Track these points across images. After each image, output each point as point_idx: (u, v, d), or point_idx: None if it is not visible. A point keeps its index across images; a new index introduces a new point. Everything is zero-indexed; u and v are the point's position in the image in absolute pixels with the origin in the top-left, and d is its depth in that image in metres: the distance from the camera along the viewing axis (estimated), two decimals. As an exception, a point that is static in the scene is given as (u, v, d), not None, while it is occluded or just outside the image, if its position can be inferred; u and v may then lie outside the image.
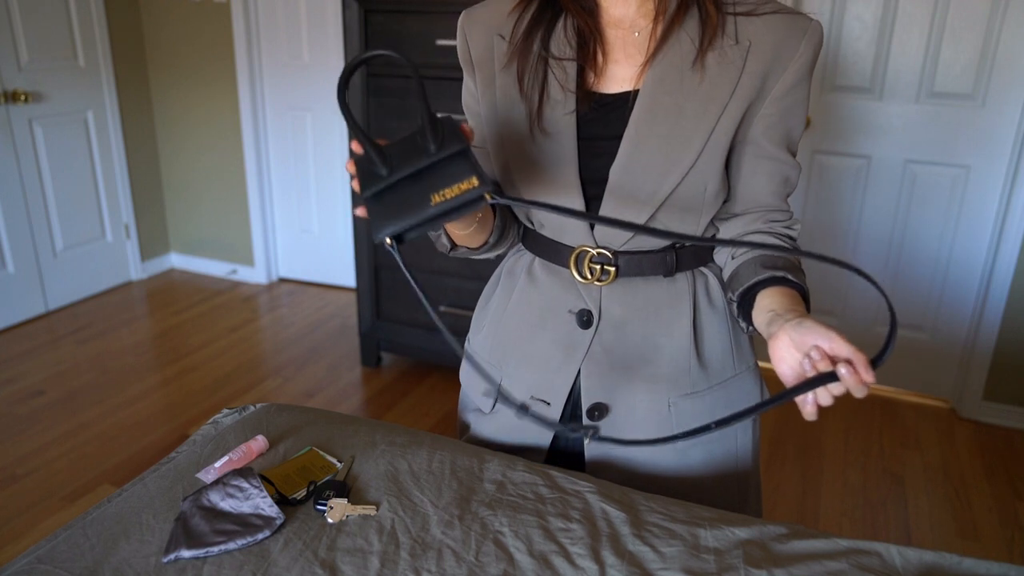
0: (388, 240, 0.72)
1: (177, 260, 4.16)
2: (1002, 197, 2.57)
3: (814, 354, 0.70)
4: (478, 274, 2.68)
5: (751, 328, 0.88)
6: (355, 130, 0.72)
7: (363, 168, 0.74)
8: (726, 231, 0.95)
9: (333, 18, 3.41)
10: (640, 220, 0.90)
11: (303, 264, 3.94)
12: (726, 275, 0.94)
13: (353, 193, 2.82)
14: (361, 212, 0.76)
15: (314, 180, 3.74)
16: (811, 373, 0.70)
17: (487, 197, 0.71)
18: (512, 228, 1.02)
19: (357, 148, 0.74)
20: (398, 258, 0.73)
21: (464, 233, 0.93)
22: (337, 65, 3.47)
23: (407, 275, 0.74)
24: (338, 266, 3.86)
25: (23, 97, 3.22)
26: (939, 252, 2.72)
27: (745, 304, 0.87)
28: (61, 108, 3.43)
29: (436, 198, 0.71)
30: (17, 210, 3.31)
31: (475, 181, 0.71)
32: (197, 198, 3.98)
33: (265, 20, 3.55)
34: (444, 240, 0.97)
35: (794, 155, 0.92)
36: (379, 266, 2.88)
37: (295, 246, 3.93)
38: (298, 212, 3.84)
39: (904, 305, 2.82)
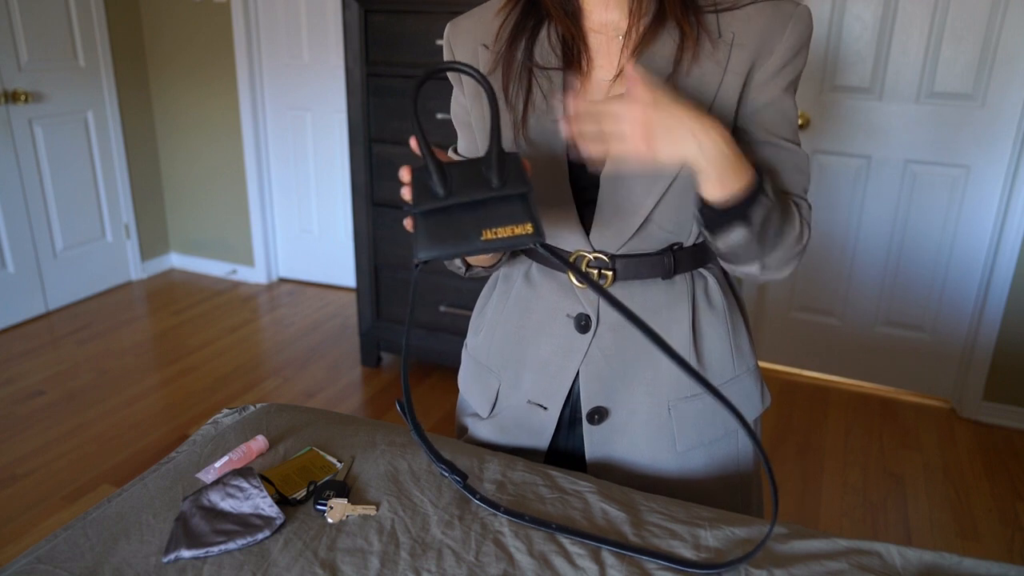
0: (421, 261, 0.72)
1: (177, 260, 4.16)
2: (1002, 197, 2.57)
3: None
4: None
5: (711, 226, 0.84)
6: (421, 141, 0.71)
7: (419, 180, 0.73)
8: None
9: (333, 18, 3.41)
10: (635, 222, 0.90)
11: (303, 264, 3.94)
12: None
13: (354, 191, 2.82)
14: (408, 224, 0.75)
15: (314, 180, 3.74)
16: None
17: (536, 245, 0.71)
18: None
19: (414, 145, 0.73)
20: (414, 282, 0.74)
21: (486, 257, 0.95)
22: (337, 65, 3.47)
23: (411, 303, 0.74)
24: (338, 266, 3.86)
25: (23, 97, 3.22)
26: (939, 252, 2.72)
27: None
28: (61, 108, 3.43)
29: (487, 234, 0.71)
30: (17, 210, 3.32)
31: (530, 228, 0.71)
32: (197, 198, 3.98)
33: (265, 20, 3.55)
34: (458, 262, 0.98)
35: (794, 142, 0.89)
36: (379, 266, 2.88)
37: (295, 246, 3.93)
38: (298, 212, 3.84)
39: (904, 305, 2.82)
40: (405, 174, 0.74)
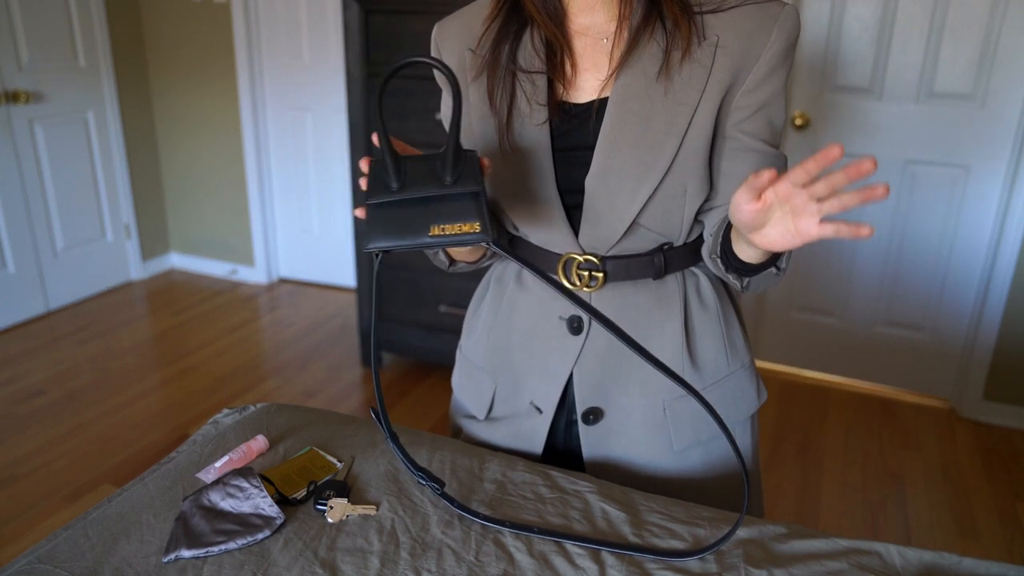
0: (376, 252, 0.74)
1: (177, 260, 4.16)
2: (1002, 197, 2.57)
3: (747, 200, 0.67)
4: (481, 275, 2.68)
5: (742, 272, 0.83)
6: (381, 136, 0.73)
7: (376, 172, 0.75)
8: (709, 223, 0.92)
9: (333, 18, 3.41)
10: (622, 225, 0.90)
11: (303, 264, 3.94)
12: (712, 247, 0.90)
13: (355, 190, 2.82)
14: (360, 213, 0.77)
15: (314, 180, 3.74)
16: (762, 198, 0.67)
17: (485, 244, 0.72)
18: (503, 237, 1.03)
19: (376, 139, 0.75)
20: (375, 271, 0.75)
21: (463, 250, 0.96)
22: (337, 65, 3.47)
23: (372, 290, 0.75)
24: (338, 266, 3.86)
25: (23, 97, 3.22)
26: (939, 252, 2.72)
27: (728, 249, 0.84)
28: (61, 108, 3.43)
29: (435, 230, 0.72)
30: (17, 210, 3.32)
31: (477, 227, 0.72)
32: (197, 198, 3.98)
33: (265, 20, 3.55)
34: (442, 257, 0.98)
35: (776, 146, 0.88)
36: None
37: (295, 246, 3.93)
38: (298, 212, 3.84)
39: (904, 305, 2.82)
40: (364, 165, 0.76)
